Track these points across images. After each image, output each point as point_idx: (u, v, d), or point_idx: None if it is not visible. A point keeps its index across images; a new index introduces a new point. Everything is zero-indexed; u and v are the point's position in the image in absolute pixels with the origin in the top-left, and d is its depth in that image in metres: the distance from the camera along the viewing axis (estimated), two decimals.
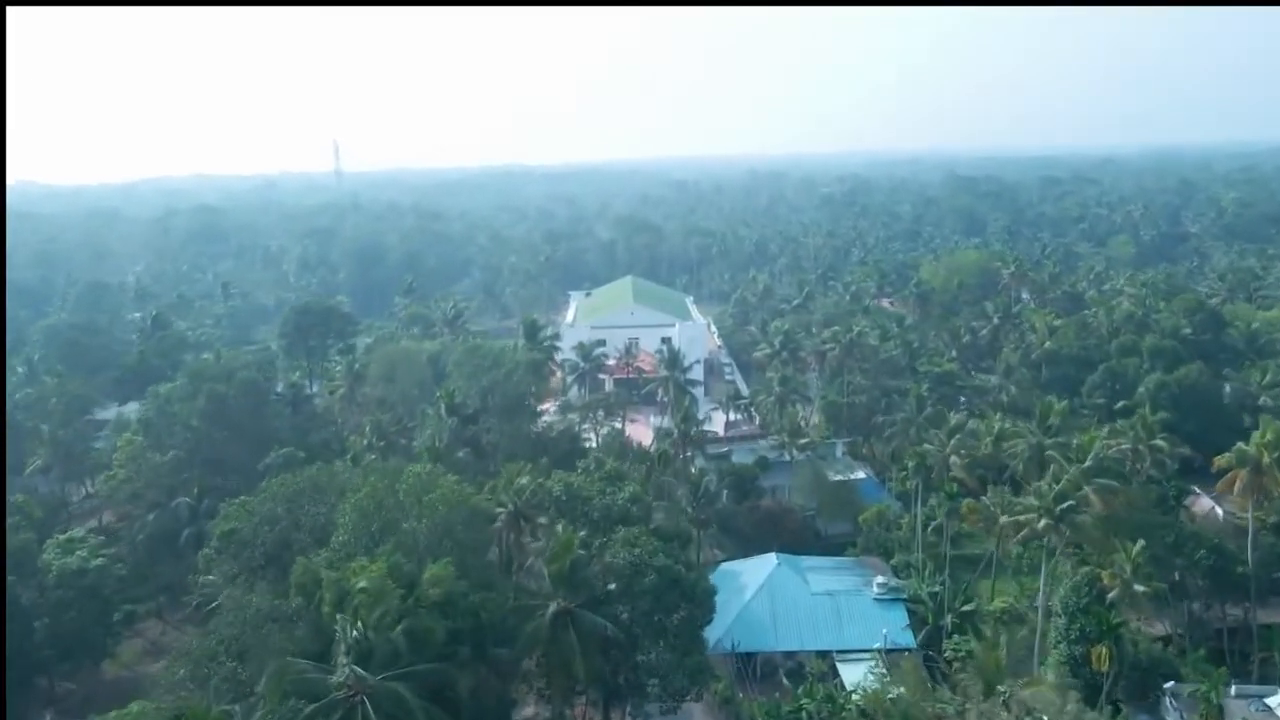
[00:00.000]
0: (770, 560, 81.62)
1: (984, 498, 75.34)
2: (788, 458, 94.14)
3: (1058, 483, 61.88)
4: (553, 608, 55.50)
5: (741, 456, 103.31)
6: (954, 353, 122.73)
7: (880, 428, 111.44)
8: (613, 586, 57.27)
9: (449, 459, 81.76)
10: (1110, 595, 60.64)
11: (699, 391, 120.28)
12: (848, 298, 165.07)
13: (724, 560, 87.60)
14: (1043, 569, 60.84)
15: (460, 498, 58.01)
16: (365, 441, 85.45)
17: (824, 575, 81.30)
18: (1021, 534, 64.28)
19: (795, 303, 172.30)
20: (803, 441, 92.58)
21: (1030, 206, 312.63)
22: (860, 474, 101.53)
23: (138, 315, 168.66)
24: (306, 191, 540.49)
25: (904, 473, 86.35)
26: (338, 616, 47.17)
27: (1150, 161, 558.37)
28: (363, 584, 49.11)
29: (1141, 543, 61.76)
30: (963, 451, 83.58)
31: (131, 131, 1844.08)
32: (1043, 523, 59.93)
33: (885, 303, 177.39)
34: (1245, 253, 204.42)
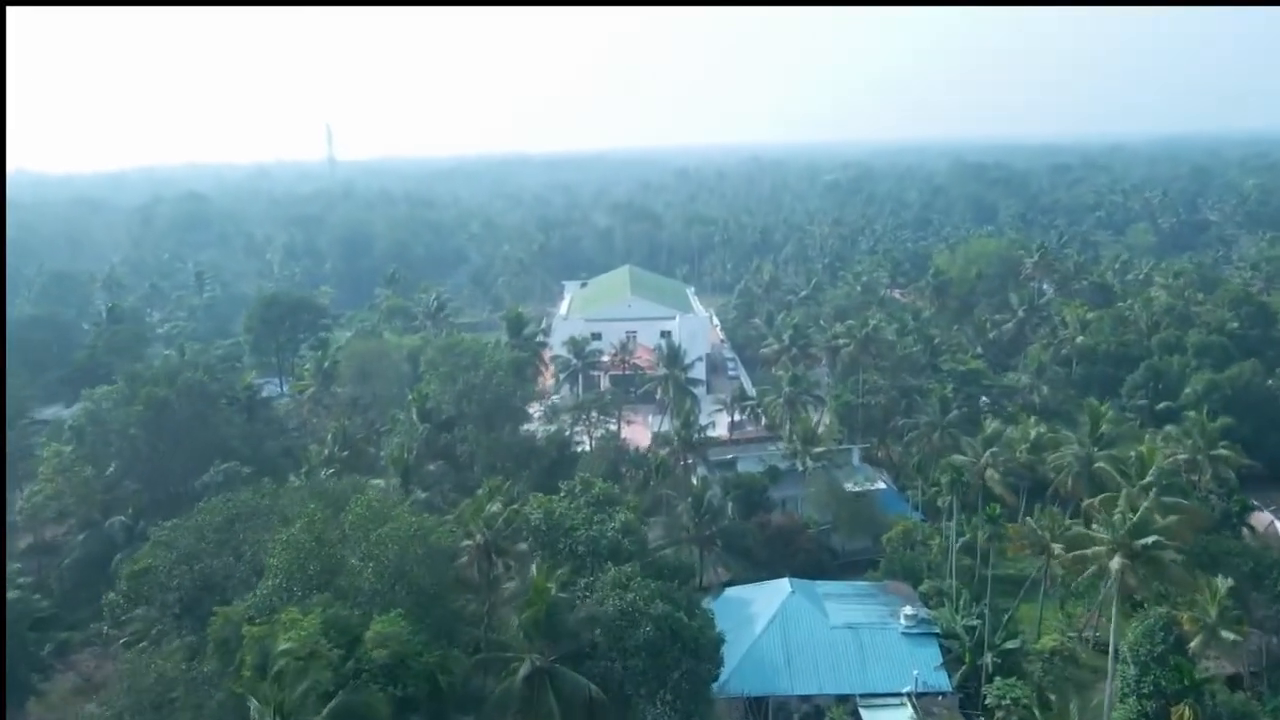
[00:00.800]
0: (783, 587, 72.08)
1: (1030, 520, 65.64)
2: (800, 468, 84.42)
3: (1134, 512, 51.91)
4: (526, 665, 45.96)
5: (748, 464, 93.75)
6: (979, 349, 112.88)
7: (899, 431, 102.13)
8: (599, 634, 47.77)
9: (419, 472, 72.42)
10: (1192, 645, 50.97)
11: (701, 390, 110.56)
12: (859, 288, 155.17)
13: (729, 583, 78.18)
14: (1114, 616, 51.15)
15: (419, 531, 48.29)
16: (325, 452, 75.83)
17: (844, 604, 71.78)
18: (1087, 572, 54.51)
19: (803, 294, 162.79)
20: (818, 450, 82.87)
21: (1043, 194, 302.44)
22: (880, 484, 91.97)
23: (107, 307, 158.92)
24: (299, 180, 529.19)
25: (935, 487, 76.63)
26: (251, 700, 37.61)
27: (1158, 149, 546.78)
28: (286, 646, 39.56)
29: (1229, 581, 52.14)
30: (1001, 463, 73.99)
31: (126, 120, 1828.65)
32: (1116, 560, 50.15)
33: (896, 294, 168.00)
34: (1275, 240, 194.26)
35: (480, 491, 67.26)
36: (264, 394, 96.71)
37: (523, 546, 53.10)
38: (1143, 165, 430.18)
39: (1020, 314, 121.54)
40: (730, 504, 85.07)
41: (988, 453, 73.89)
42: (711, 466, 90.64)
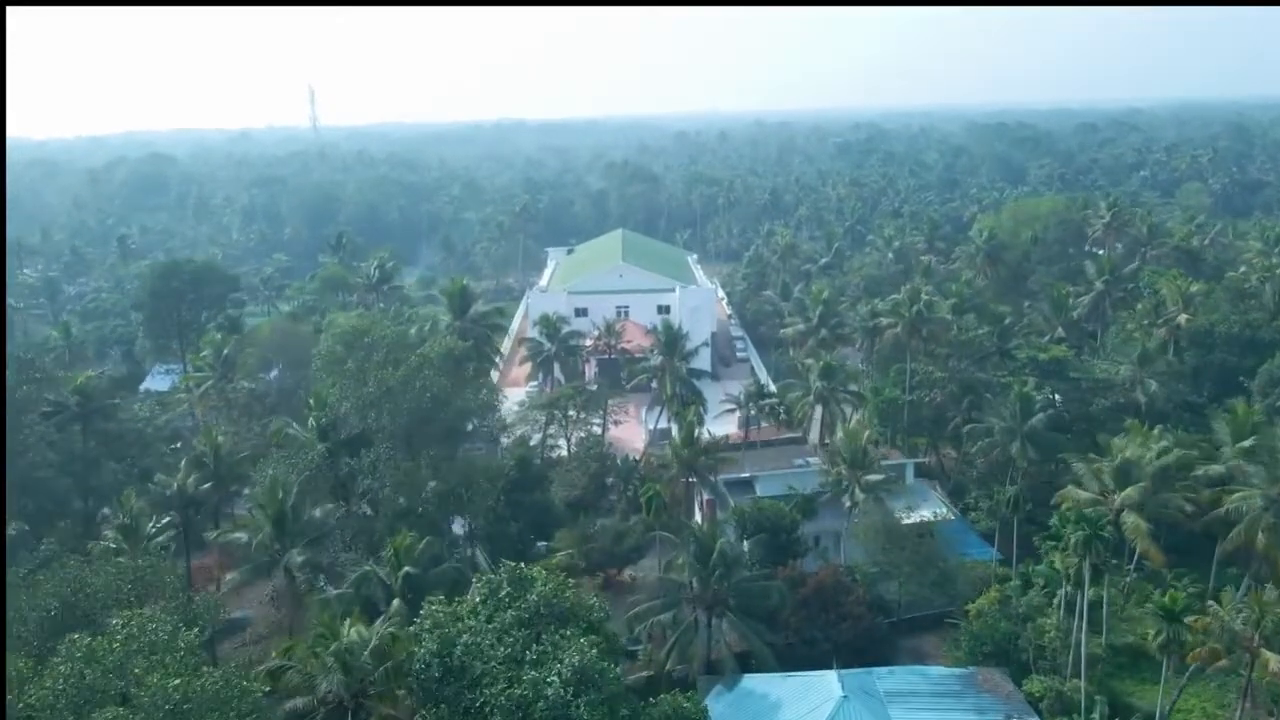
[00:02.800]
0: (829, 686, 49.65)
1: (1214, 605, 42.94)
2: (848, 503, 61.56)
3: None
4: None
5: (770, 486, 71.21)
6: (1060, 331, 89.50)
7: (959, 436, 79.92)
8: None
9: (302, 521, 49.69)
10: None
11: (706, 382, 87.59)
12: (890, 255, 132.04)
13: (745, 660, 55.87)
14: None
15: (189, 698, 25.44)
16: (174, 486, 53.08)
17: (919, 712, 49.38)
18: None
19: (823, 261, 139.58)
20: (873, 479, 59.95)
21: (1076, 153, 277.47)
22: (947, 513, 69.53)
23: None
24: (280, 144, 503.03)
25: (1053, 544, 53.57)
26: None
27: (1180, 112, 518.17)
28: None
29: None
30: (1144, 502, 51.27)
31: (120, 86, 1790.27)
32: None
33: (930, 260, 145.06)
34: None
35: (386, 551, 44.94)
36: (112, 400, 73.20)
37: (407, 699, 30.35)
38: (1170, 127, 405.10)
39: (1099, 286, 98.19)
40: (746, 542, 62.96)
41: (1133, 488, 51.00)
42: (721, 495, 67.99)
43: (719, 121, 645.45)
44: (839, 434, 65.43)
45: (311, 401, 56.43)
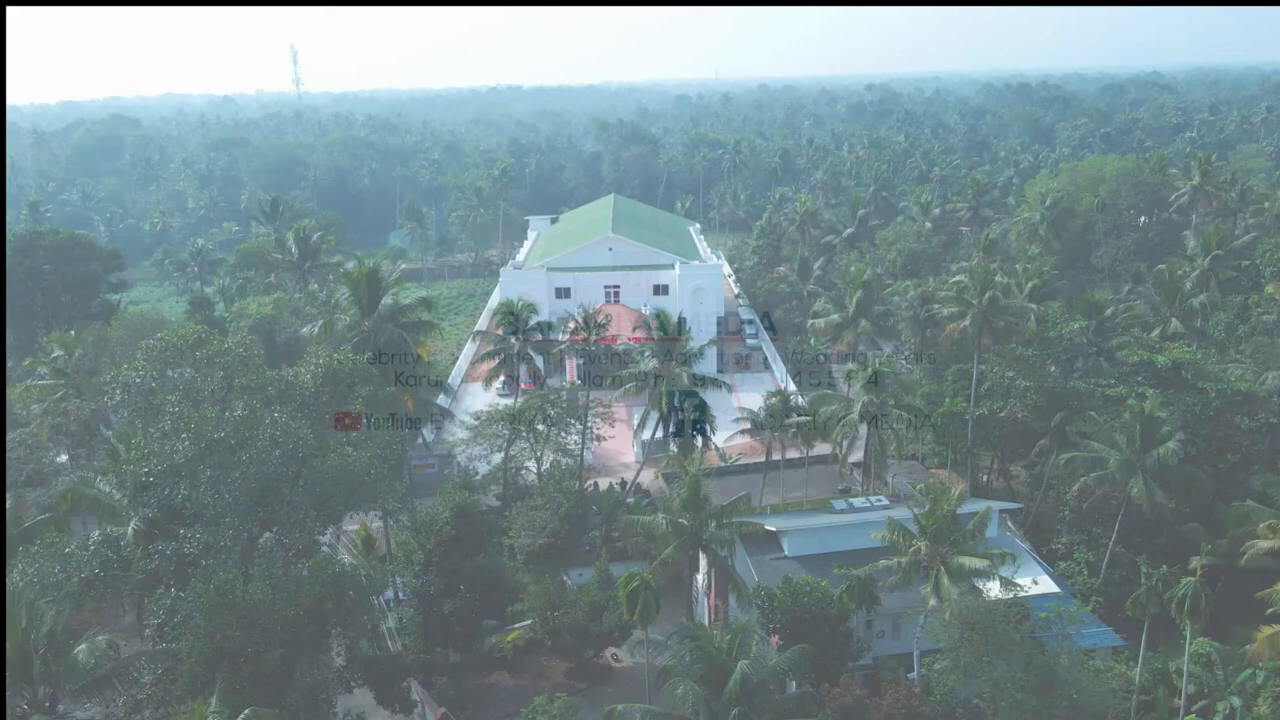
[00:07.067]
0: None
1: None
2: (933, 598, 41.69)
3: None
4: None
5: (801, 543, 52.02)
6: (1176, 323, 69.44)
7: (1040, 461, 61.08)
8: None
9: (60, 660, 30.41)
10: None
11: (714, 394, 67.51)
12: (928, 225, 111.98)
13: None
14: None
15: None
16: None
17: None
18: None
19: (847, 232, 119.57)
20: (971, 564, 40.20)
21: (1112, 114, 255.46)
22: (1049, 582, 50.36)
23: None
24: (263, 108, 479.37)
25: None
26: None
27: (1198, 76, 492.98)
28: None
29: None
30: None
31: (105, 51, 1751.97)
32: None
33: (963, 230, 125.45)
34: None
35: None
36: None
37: None
38: (1200, 89, 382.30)
39: (1204, 264, 78.33)
40: (778, 642, 43.86)
41: None
42: (741, 584, 48.15)
43: (722, 87, 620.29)
44: (917, 487, 45.91)
45: (119, 445, 36.97)
